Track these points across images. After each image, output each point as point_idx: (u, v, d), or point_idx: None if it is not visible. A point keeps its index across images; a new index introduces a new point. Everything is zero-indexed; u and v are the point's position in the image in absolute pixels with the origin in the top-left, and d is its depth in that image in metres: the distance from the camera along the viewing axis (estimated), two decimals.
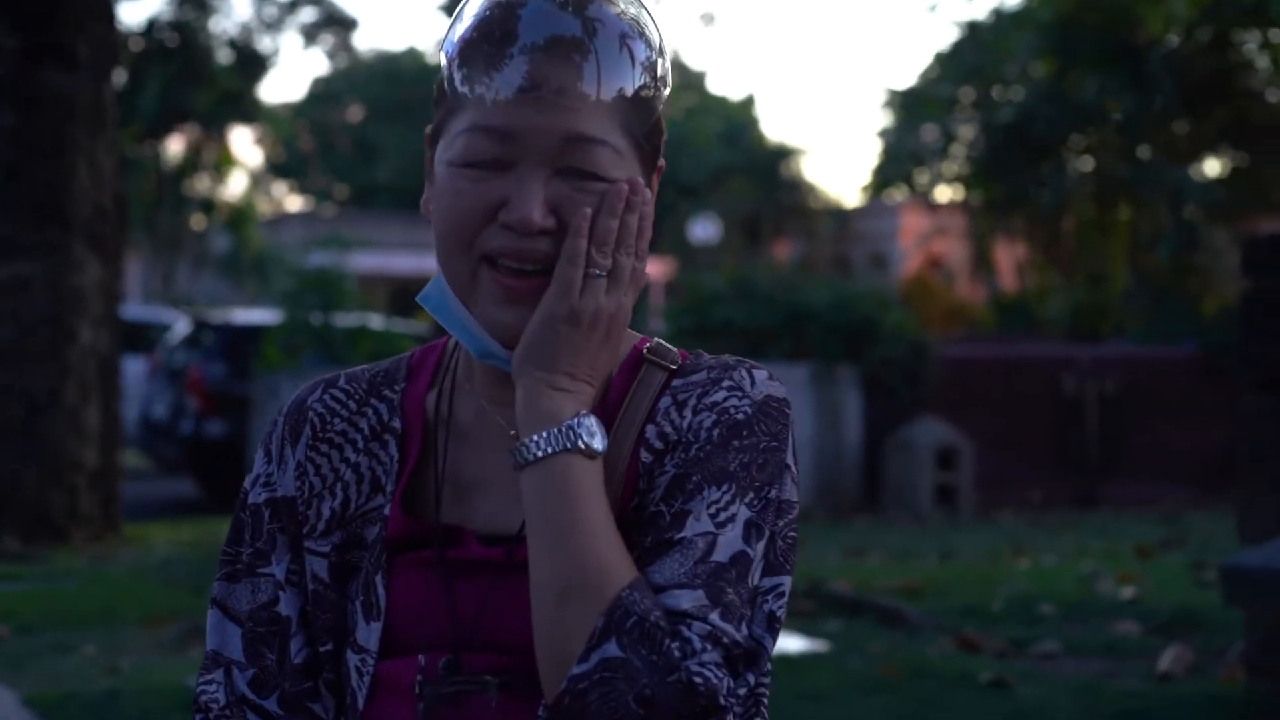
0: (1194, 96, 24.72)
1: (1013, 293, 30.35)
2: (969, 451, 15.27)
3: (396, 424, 1.94)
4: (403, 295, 39.94)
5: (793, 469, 1.84)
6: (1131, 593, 9.24)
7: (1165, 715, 6.33)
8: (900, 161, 34.74)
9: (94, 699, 6.94)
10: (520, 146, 1.77)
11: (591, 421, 1.75)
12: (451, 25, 1.84)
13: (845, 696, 6.68)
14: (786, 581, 1.84)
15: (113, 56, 14.19)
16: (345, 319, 15.05)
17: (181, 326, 20.69)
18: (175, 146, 36.87)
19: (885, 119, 37.66)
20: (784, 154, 48.53)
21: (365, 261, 21.87)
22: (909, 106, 34.47)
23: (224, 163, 38.17)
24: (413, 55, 58.19)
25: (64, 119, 13.24)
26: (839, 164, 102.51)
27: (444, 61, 1.84)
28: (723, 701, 1.67)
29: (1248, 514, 6.39)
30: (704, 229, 40.23)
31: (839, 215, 48.11)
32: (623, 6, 1.80)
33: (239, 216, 38.54)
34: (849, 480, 15.58)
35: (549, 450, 1.73)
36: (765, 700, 1.86)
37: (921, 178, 35.09)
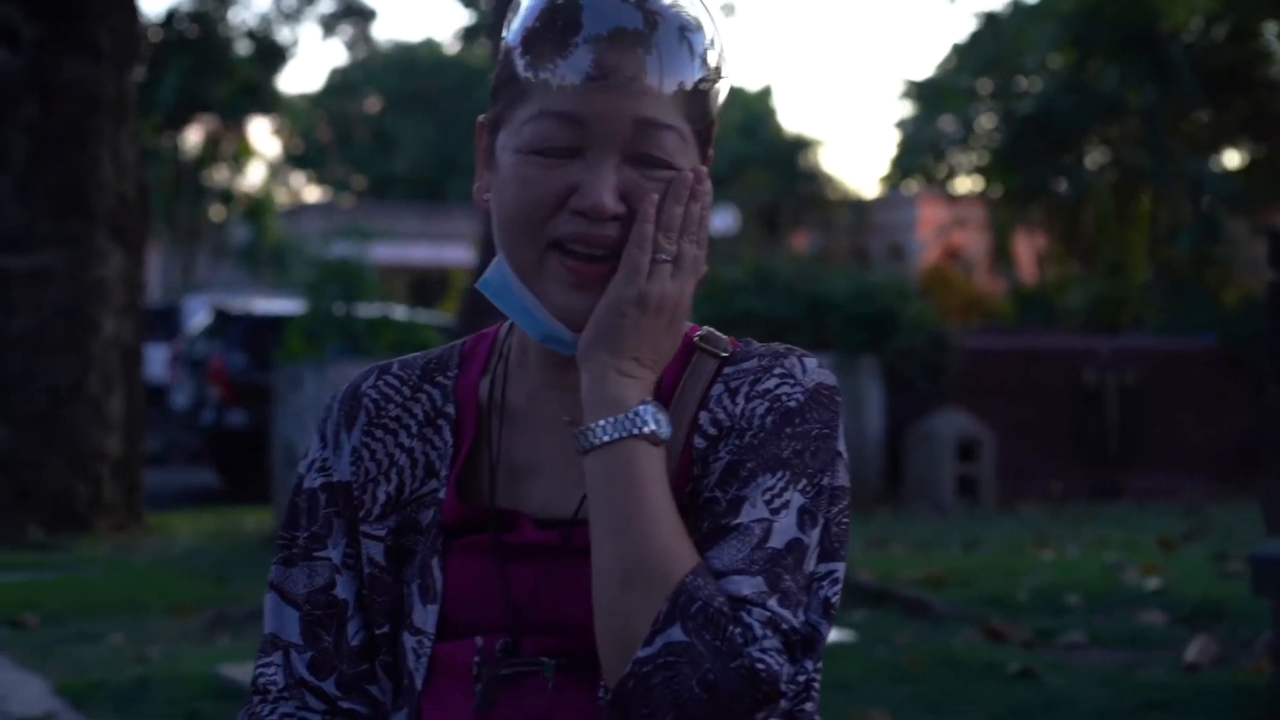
0: (1214, 87, 24.68)
1: (1032, 284, 30.31)
2: (990, 443, 15.26)
3: (450, 409, 1.95)
4: (421, 285, 39.96)
5: (844, 455, 1.86)
6: (1156, 583, 9.22)
7: (1192, 705, 6.33)
8: (918, 152, 34.75)
9: (123, 687, 6.96)
10: (590, 132, 1.78)
11: (657, 408, 1.77)
12: (510, 16, 1.86)
13: (872, 686, 6.68)
14: (840, 567, 1.86)
15: (134, 47, 14.22)
16: (367, 309, 15.08)
17: (202, 316, 20.74)
18: (194, 137, 36.92)
19: (903, 110, 37.63)
20: (802, 145, 48.48)
21: (383, 252, 21.91)
22: (927, 97, 34.47)
23: (242, 153, 38.23)
24: (430, 46, 58.22)
25: (87, 110, 13.28)
26: (857, 155, 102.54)
27: (505, 49, 1.85)
28: (783, 688, 1.69)
29: (1273, 504, 6.38)
30: (722, 220, 40.24)
31: (857, 206, 48.09)
32: (682, 0, 1.82)
33: (257, 207, 38.61)
34: (870, 471, 15.56)
35: (615, 436, 1.74)
36: (816, 686, 1.88)
37: (939, 169, 35.07)
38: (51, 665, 7.67)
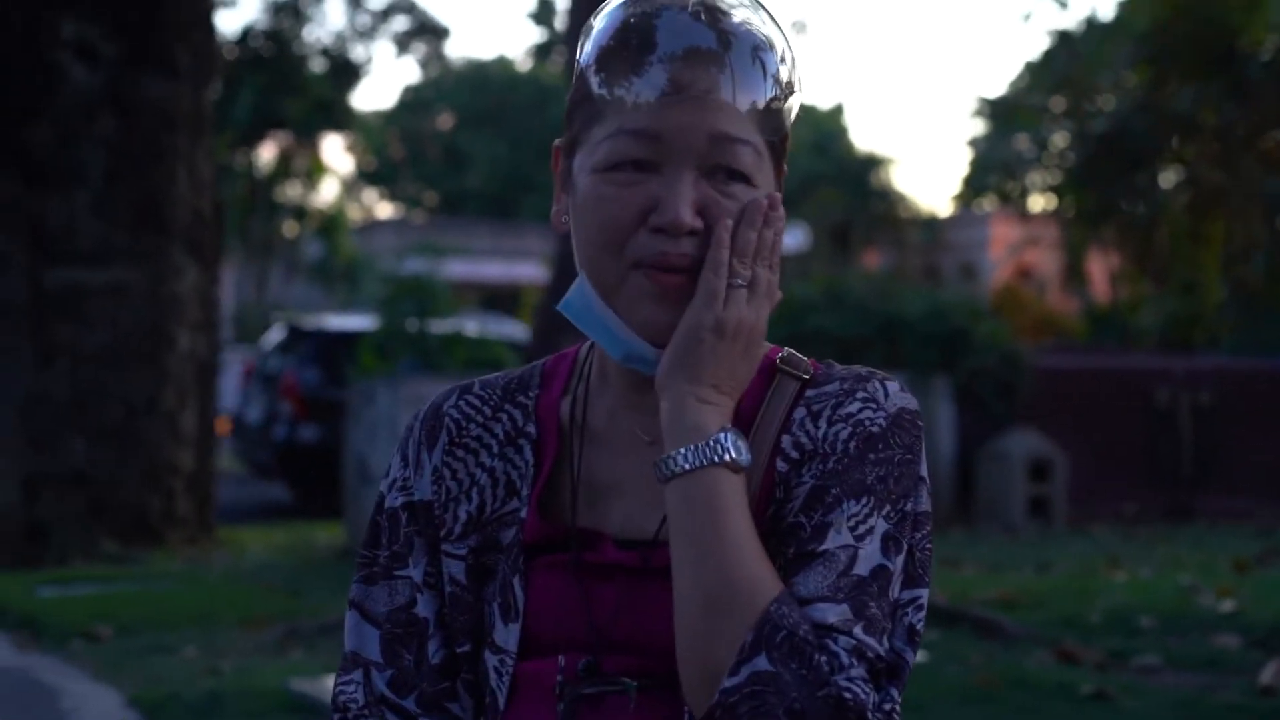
0: None
1: (1105, 303, 30.15)
2: (1062, 463, 15.17)
3: (531, 429, 1.96)
4: (493, 302, 40.06)
5: (927, 481, 1.86)
6: (1231, 606, 9.15)
7: None
8: (991, 171, 34.60)
9: (197, 700, 7.01)
10: (667, 148, 1.79)
11: (736, 435, 1.77)
12: (583, 38, 1.87)
13: (944, 706, 6.66)
14: (924, 594, 1.86)
15: (211, 64, 14.32)
16: (440, 325, 15.12)
17: (276, 332, 20.85)
18: (268, 154, 37.16)
19: (976, 128, 37.49)
20: (873, 163, 48.44)
21: (455, 268, 21.94)
22: (1000, 115, 34.33)
23: (316, 170, 38.45)
24: (502, 64, 58.42)
25: (163, 126, 13.38)
26: (929, 173, 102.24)
27: (579, 70, 1.86)
28: (869, 717, 1.69)
29: None
30: (794, 238, 40.20)
31: (929, 225, 47.95)
32: (754, 19, 1.83)
33: (330, 223, 38.81)
34: (942, 491, 15.49)
35: (696, 464, 1.75)
36: (898, 713, 1.87)
37: (1012, 187, 34.92)
38: (124, 677, 7.72)
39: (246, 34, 33.17)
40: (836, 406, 1.85)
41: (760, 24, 1.83)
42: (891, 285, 18.24)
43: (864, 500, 1.78)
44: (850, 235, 44.79)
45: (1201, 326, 24.16)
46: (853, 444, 1.81)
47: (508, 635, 1.88)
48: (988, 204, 42.39)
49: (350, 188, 52.91)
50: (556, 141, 1.94)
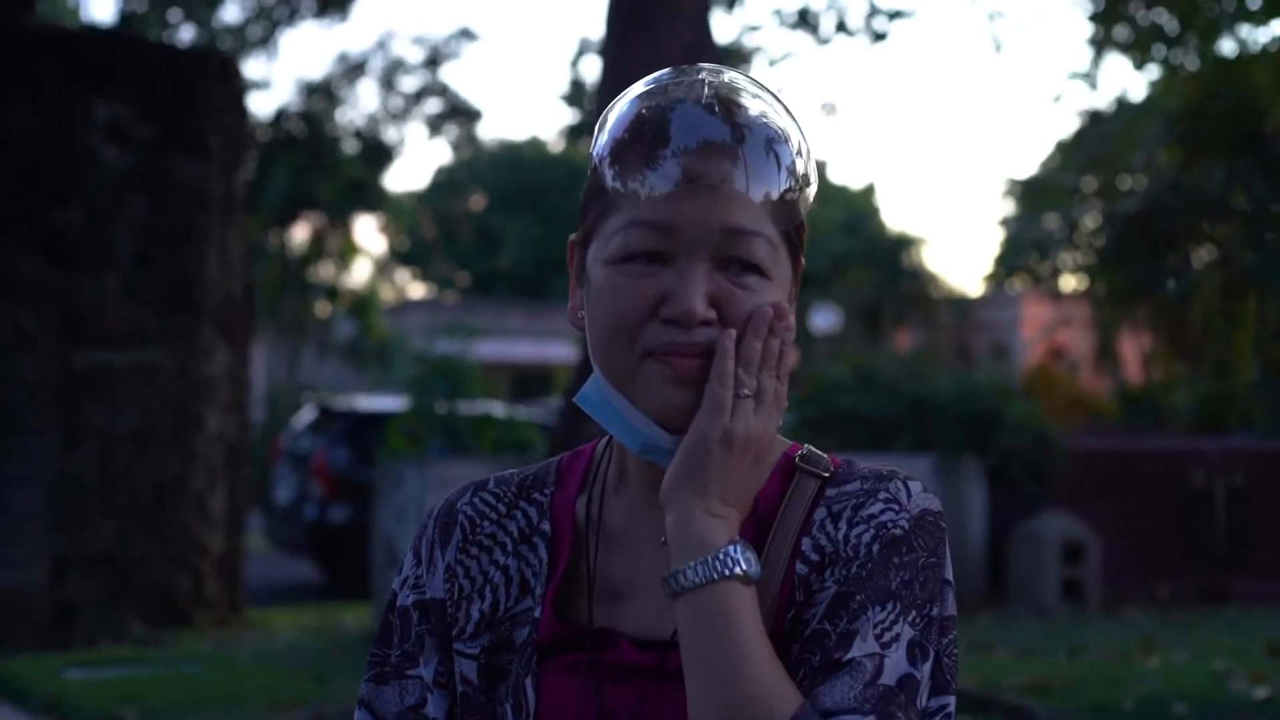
0: None
1: (1138, 384, 30.07)
2: (1095, 545, 15.06)
3: (545, 527, 1.94)
4: (524, 383, 40.12)
5: (952, 584, 1.84)
6: (1265, 692, 9.05)
7: None
8: (1022, 251, 34.59)
9: None
10: (680, 239, 1.78)
11: (745, 547, 1.74)
12: (598, 132, 1.86)
13: None
14: (951, 701, 1.83)
15: (243, 147, 14.41)
16: (469, 407, 15.12)
17: (307, 413, 20.89)
18: (301, 234, 37.33)
19: (1007, 208, 37.51)
20: (905, 243, 48.50)
21: (487, 349, 22.00)
22: (1031, 196, 34.36)
23: (348, 250, 38.59)
24: (535, 145, 58.72)
25: (195, 208, 13.45)
26: (960, 253, 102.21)
27: (594, 164, 1.85)
28: None
29: None
30: (825, 318, 40.20)
31: (961, 305, 47.94)
32: (768, 111, 1.82)
33: (362, 304, 38.92)
34: (973, 574, 15.40)
35: (705, 578, 1.72)
36: None
37: (1044, 267, 34.90)
38: None
39: (280, 115, 33.39)
40: (858, 508, 1.82)
41: (775, 116, 1.82)
42: (921, 366, 18.20)
43: (889, 606, 1.76)
44: (881, 315, 44.78)
45: (1235, 407, 24.02)
46: (876, 547, 1.79)
47: None
48: (1019, 283, 42.34)
49: (383, 268, 53.06)
50: (571, 236, 1.94)
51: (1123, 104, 29.87)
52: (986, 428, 15.86)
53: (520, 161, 56.49)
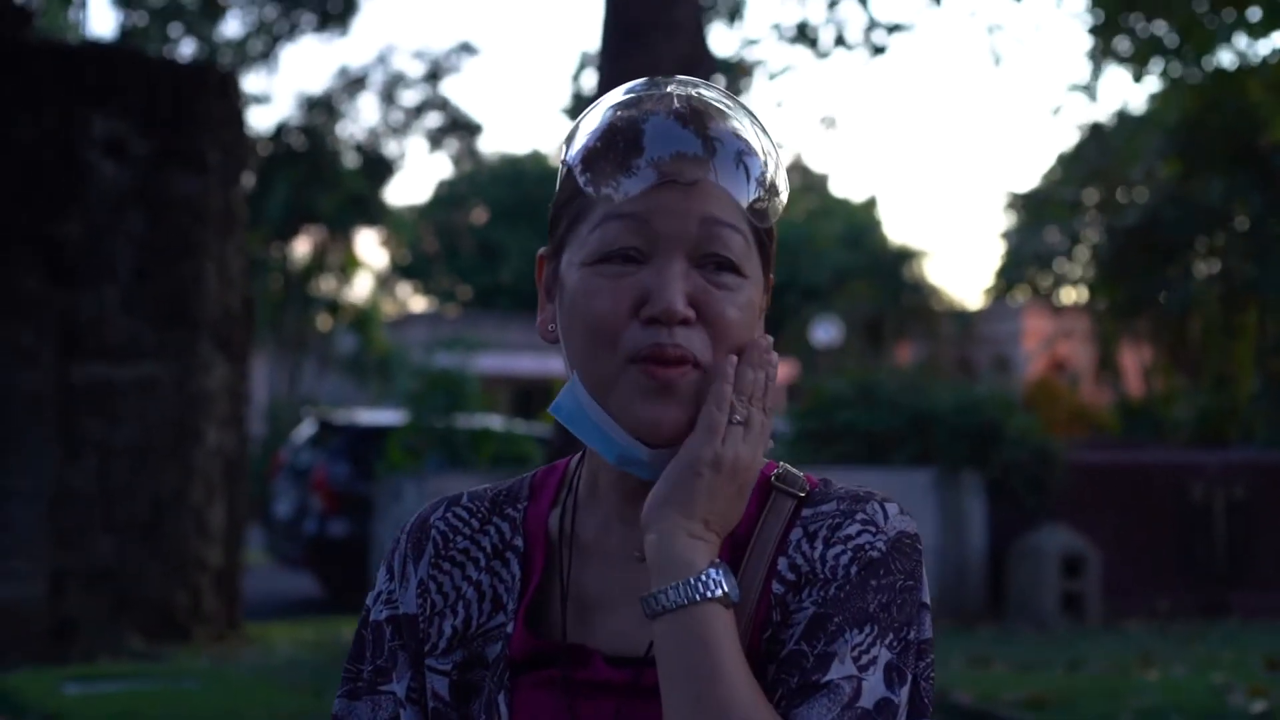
0: None
1: (1138, 397, 30.05)
2: (1095, 559, 15.05)
3: (519, 542, 1.93)
4: (525, 396, 40.08)
5: (929, 606, 1.83)
6: (1263, 706, 9.03)
7: None
8: (1023, 264, 34.59)
9: None
10: (656, 235, 1.78)
11: (725, 571, 1.74)
12: (568, 142, 1.87)
13: None
14: None
15: (242, 161, 14.41)
16: (468, 421, 15.13)
17: (307, 427, 20.89)
18: (302, 248, 37.32)
19: (1008, 221, 37.51)
20: (906, 256, 48.45)
21: (488, 363, 22.00)
22: (1031, 209, 34.36)
23: (349, 264, 38.58)
24: (536, 158, 58.69)
25: (193, 222, 13.45)
26: (962, 266, 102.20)
27: (564, 172, 1.86)
28: None
29: None
30: (826, 331, 40.17)
31: (962, 317, 47.89)
32: (739, 123, 1.83)
33: (363, 317, 38.90)
34: (973, 587, 15.39)
35: (685, 600, 1.71)
36: None
37: (1045, 280, 34.90)
38: None
39: (280, 129, 33.42)
40: (835, 529, 1.82)
41: (743, 128, 1.83)
42: (922, 379, 18.19)
43: (867, 629, 1.75)
44: (883, 328, 44.76)
45: (1235, 420, 24.00)
46: (854, 569, 1.78)
47: None
48: (1021, 296, 42.35)
49: (384, 281, 53.05)
50: (541, 250, 1.93)
51: (1123, 116, 29.88)
52: (987, 441, 15.86)
53: (522, 175, 56.46)
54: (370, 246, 58.29)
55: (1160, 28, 17.46)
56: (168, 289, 13.28)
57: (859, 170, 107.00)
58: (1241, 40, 17.45)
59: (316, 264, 37.39)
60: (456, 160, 44.15)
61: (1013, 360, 45.77)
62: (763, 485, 1.87)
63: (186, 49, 30.49)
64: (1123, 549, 15.81)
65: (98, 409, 12.93)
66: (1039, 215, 33.60)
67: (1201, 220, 25.49)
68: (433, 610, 1.92)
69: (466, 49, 36.68)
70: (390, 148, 35.70)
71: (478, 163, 51.29)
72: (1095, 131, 30.87)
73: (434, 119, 36.61)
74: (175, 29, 30.25)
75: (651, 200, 1.77)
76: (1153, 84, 23.14)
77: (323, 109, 33.99)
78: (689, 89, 1.84)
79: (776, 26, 17.23)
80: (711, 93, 1.85)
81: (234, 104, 14.26)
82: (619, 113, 1.82)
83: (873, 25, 16.72)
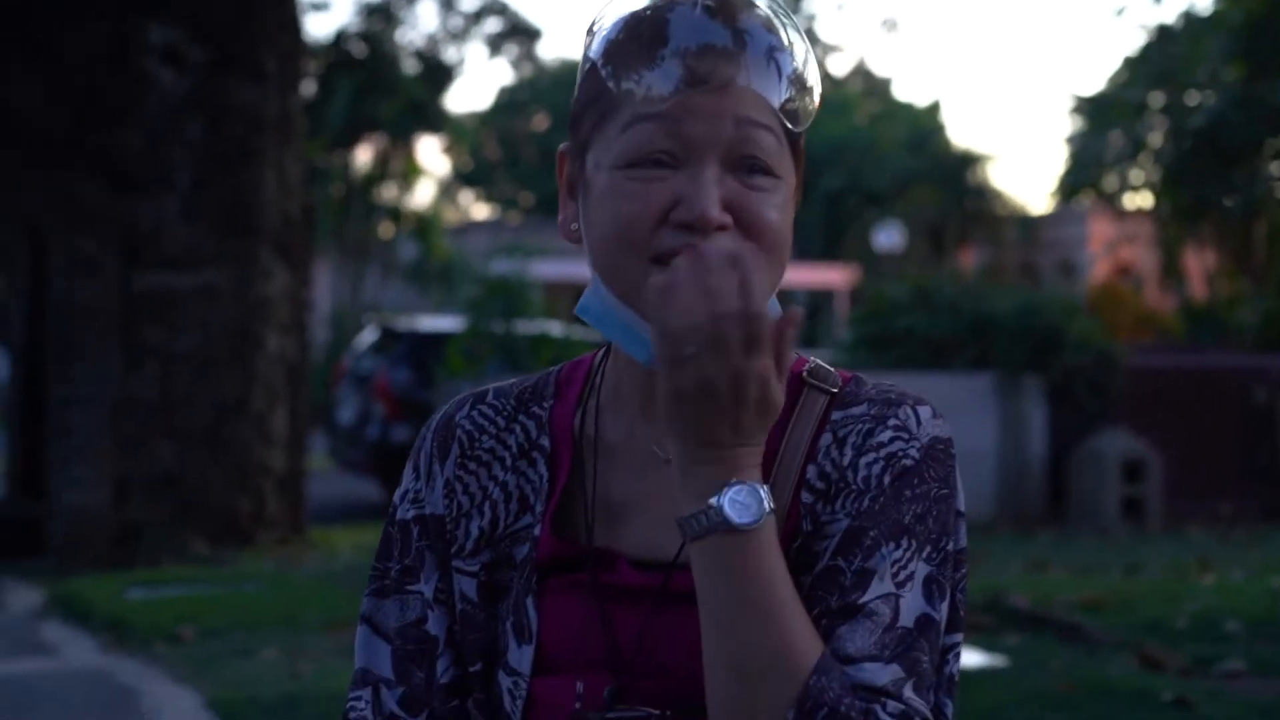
0: None
1: (1202, 301, 29.83)
2: (1157, 463, 14.99)
3: (545, 442, 1.89)
4: None
5: (964, 514, 1.79)
6: None
7: None
8: (1088, 168, 34.27)
9: (274, 702, 7.04)
10: (689, 137, 1.71)
11: (747, 491, 1.64)
12: (589, 36, 1.80)
13: (1024, 713, 6.58)
14: (960, 638, 1.80)
15: (298, 68, 14.41)
16: (527, 326, 15.15)
17: (369, 334, 20.99)
18: (363, 156, 37.35)
19: (1072, 124, 37.15)
20: (970, 160, 48.08)
21: (550, 269, 21.96)
22: (1096, 112, 34.02)
23: (411, 172, 38.58)
24: None
25: (251, 130, 13.47)
26: (1026, 170, 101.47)
27: (587, 68, 1.80)
28: None
29: None
30: (888, 237, 39.99)
31: (1026, 222, 47.57)
32: (770, 17, 1.76)
33: (425, 225, 38.94)
34: (1033, 492, 15.36)
35: (700, 532, 1.64)
36: None
37: (1109, 184, 34.60)
38: (205, 679, 7.77)
39: (339, 37, 33.38)
40: (866, 435, 1.77)
41: (774, 21, 1.76)
42: (982, 284, 18.11)
43: (904, 542, 1.71)
44: (945, 233, 44.51)
45: None
46: (887, 479, 1.74)
47: (521, 657, 1.82)
48: (1086, 200, 41.99)
49: (446, 189, 53.08)
50: (561, 146, 1.86)
51: (1189, 18, 29.51)
52: (1047, 345, 15.78)
53: None
54: (432, 154, 58.30)
55: None
56: (227, 197, 13.32)
57: (923, 74, 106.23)
58: None
59: (378, 172, 37.42)
60: (516, 65, 44.06)
61: (1077, 265, 45.47)
62: (794, 381, 1.83)
63: None
64: (1184, 453, 15.75)
65: (159, 317, 13.02)
66: (1103, 119, 33.23)
67: (1267, 123, 25.17)
68: (459, 511, 1.89)
69: None
70: (449, 54, 35.68)
71: (538, 68, 51.18)
72: (1161, 33, 30.49)
73: (493, 24, 36.57)
74: None
75: (682, 103, 1.70)
76: None
77: (381, 15, 33.92)
78: None
79: None
80: None
81: (290, 10, 14.24)
82: (642, 3, 1.75)
83: None
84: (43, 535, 13.11)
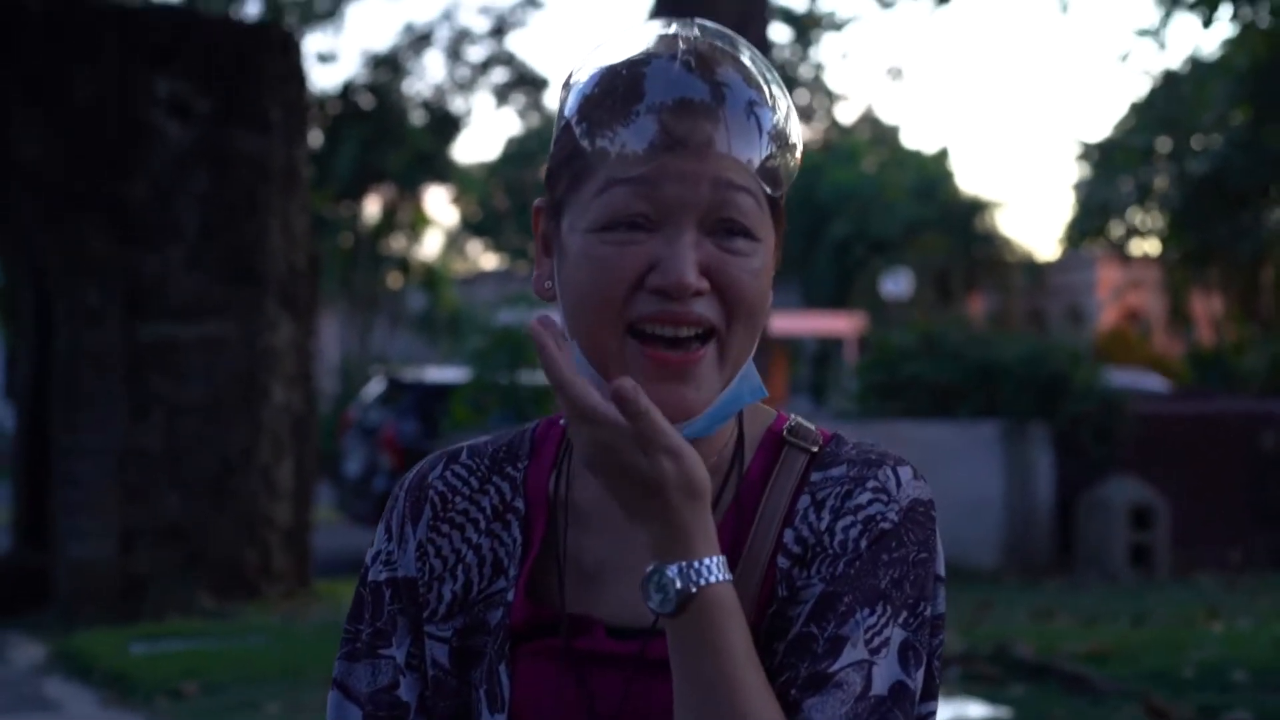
0: None
1: (1209, 346, 29.81)
2: (1164, 510, 14.94)
3: (519, 504, 1.85)
4: None
5: (944, 579, 1.77)
6: None
7: None
8: (1095, 214, 34.32)
9: None
10: (664, 200, 1.67)
11: (680, 569, 1.61)
12: (565, 91, 1.75)
13: None
14: (936, 706, 1.77)
15: (304, 119, 14.44)
16: (532, 377, 15.15)
17: (376, 385, 20.99)
18: (372, 207, 37.42)
19: (1080, 171, 37.21)
20: (978, 207, 48.08)
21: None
22: (1103, 159, 34.08)
23: (419, 222, 38.66)
24: None
25: (257, 180, 13.50)
26: (1034, 217, 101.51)
27: (562, 126, 1.75)
28: None
29: None
30: (896, 284, 39.98)
31: (1034, 269, 47.57)
32: (749, 70, 1.70)
33: (433, 275, 39.01)
34: (1040, 540, 15.31)
35: (664, 609, 1.62)
36: None
37: (1116, 230, 34.64)
38: None
39: (347, 88, 33.49)
40: (844, 497, 1.74)
41: (755, 75, 1.70)
42: (989, 331, 18.10)
43: (880, 608, 1.68)
44: (953, 280, 44.49)
45: None
46: (864, 543, 1.70)
47: None
48: (1094, 247, 42.02)
49: (454, 239, 53.17)
50: (537, 202, 1.83)
51: (1195, 63, 29.57)
52: (1053, 392, 15.75)
53: None
54: (440, 204, 58.36)
55: None
56: (232, 247, 13.34)
57: (930, 122, 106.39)
58: None
59: (386, 222, 37.50)
60: (523, 115, 44.13)
61: (1085, 311, 45.46)
62: (774, 440, 1.80)
63: (252, 9, 30.57)
64: (1193, 500, 15.69)
65: (164, 367, 13.02)
66: (1110, 165, 33.28)
67: (1273, 167, 25.18)
68: (432, 574, 1.85)
69: (531, 3, 36.68)
70: (457, 104, 35.73)
71: (545, 118, 51.24)
72: (1167, 79, 30.55)
73: (500, 74, 36.60)
74: None
75: (657, 165, 1.66)
76: (1223, 29, 22.84)
77: (389, 67, 34.02)
78: (695, 31, 1.71)
79: None
80: (721, 36, 1.73)
81: (295, 62, 14.28)
82: (618, 57, 1.70)
83: None
84: (49, 587, 13.08)
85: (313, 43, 33.14)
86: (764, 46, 12.26)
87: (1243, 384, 23.99)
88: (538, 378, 15.24)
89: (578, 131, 1.70)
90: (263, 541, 13.43)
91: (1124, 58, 30.22)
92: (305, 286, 14.06)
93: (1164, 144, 30.59)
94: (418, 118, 35.13)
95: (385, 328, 38.78)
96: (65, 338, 12.99)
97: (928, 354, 16.34)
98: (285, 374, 13.73)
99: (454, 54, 35.27)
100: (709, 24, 1.74)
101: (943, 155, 54.50)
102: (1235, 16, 18.70)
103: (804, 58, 46.34)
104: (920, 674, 1.70)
